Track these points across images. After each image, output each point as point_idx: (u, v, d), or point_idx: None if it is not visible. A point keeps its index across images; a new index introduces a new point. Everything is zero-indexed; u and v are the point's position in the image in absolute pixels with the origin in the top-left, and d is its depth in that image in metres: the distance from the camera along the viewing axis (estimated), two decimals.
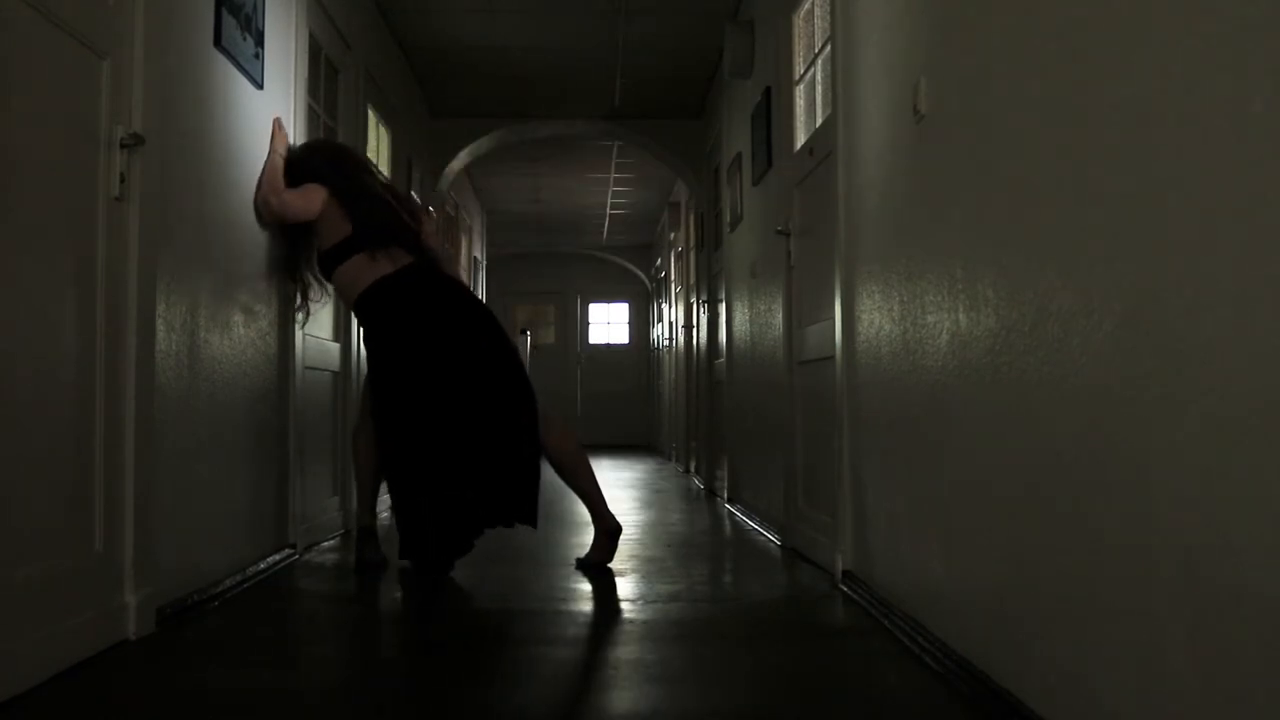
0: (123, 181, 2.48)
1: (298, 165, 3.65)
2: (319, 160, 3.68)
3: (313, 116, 4.33)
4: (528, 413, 3.55)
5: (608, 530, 3.74)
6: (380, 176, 4.01)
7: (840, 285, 3.35)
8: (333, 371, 4.61)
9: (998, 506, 2.07)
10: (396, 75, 6.14)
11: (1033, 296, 1.89)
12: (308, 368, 4.14)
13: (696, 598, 3.24)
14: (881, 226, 2.96)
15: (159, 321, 2.71)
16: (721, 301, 6.41)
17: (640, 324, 15.85)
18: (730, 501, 5.99)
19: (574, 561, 3.78)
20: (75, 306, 2.32)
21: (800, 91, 4.27)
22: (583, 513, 5.34)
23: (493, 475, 3.49)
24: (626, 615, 2.93)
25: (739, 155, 5.57)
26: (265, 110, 3.63)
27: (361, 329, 3.73)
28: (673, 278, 10.50)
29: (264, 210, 3.54)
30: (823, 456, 3.67)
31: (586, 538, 4.56)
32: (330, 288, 3.81)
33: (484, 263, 11.40)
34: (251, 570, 3.42)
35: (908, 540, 2.69)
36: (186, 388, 2.94)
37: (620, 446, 13.41)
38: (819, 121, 3.88)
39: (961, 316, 2.27)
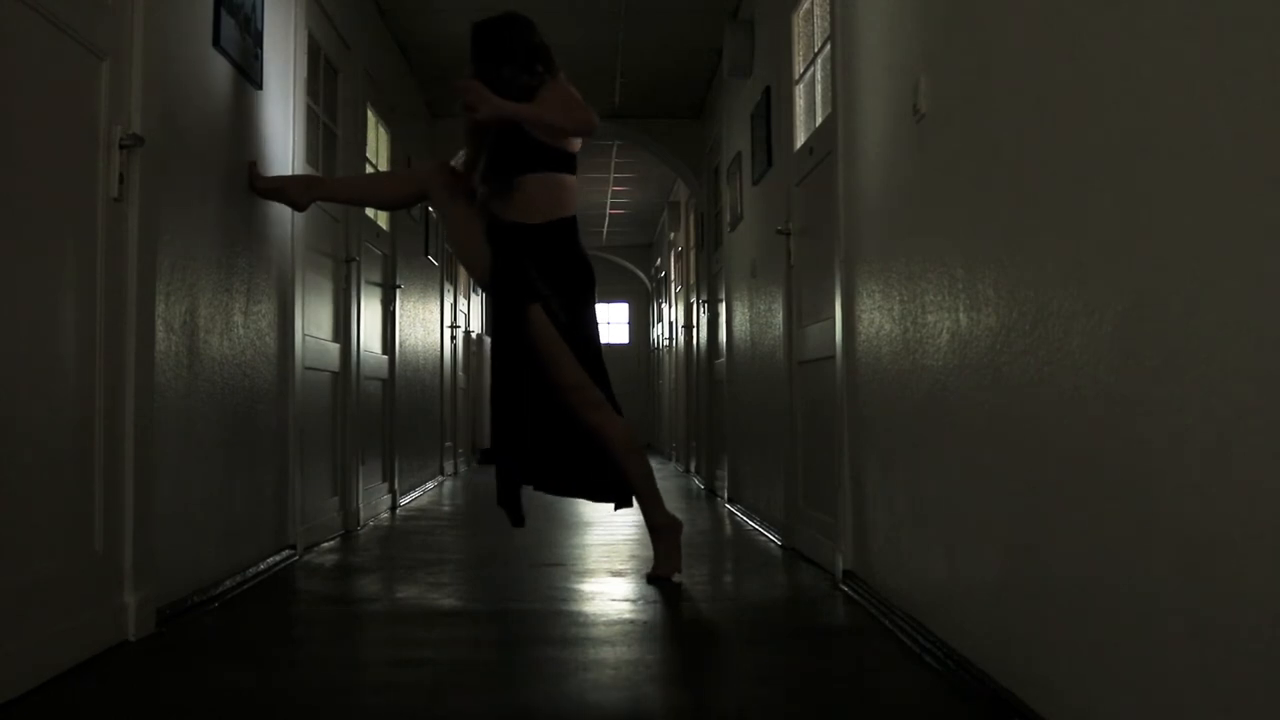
0: (122, 182, 2.48)
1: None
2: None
3: (312, 116, 4.33)
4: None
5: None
6: None
7: (840, 285, 3.35)
8: (332, 372, 4.61)
9: (998, 506, 2.07)
10: (396, 75, 6.14)
11: (1033, 296, 1.89)
12: (307, 368, 4.14)
13: (697, 598, 3.24)
14: (881, 226, 2.96)
15: (158, 322, 2.71)
16: (721, 301, 6.41)
17: (640, 324, 15.86)
18: (731, 501, 5.99)
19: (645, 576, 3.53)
20: (75, 306, 2.32)
21: (800, 91, 4.27)
22: (583, 513, 5.35)
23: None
24: (626, 615, 2.93)
25: (739, 155, 5.57)
26: (265, 110, 3.63)
27: (534, 251, 3.43)
28: (673, 278, 10.50)
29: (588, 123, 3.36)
30: (823, 456, 3.67)
31: (587, 537, 4.56)
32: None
33: None
34: (251, 570, 3.42)
35: (908, 540, 2.69)
36: (186, 388, 2.94)
37: None
38: (819, 121, 3.88)
39: (962, 316, 2.27)
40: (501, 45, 3.53)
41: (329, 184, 3.91)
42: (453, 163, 3.70)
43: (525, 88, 3.45)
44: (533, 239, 3.43)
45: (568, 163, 3.49)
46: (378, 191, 3.93)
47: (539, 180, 3.44)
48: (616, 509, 3.62)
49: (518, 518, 3.53)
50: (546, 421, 3.46)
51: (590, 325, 3.55)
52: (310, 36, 4.27)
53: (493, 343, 3.56)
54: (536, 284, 3.38)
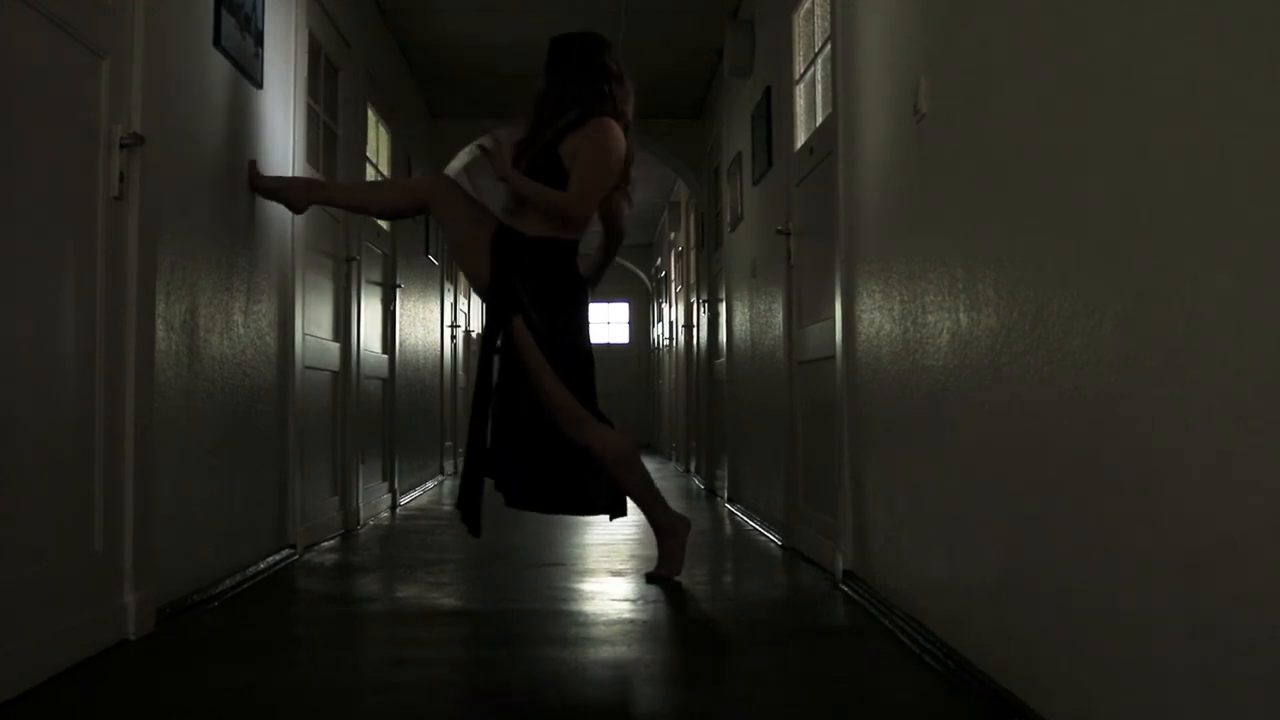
0: (122, 181, 2.48)
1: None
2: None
3: (312, 116, 4.33)
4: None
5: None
6: None
7: (840, 285, 3.35)
8: (333, 371, 4.61)
9: (998, 506, 2.07)
10: (396, 75, 6.14)
11: (1033, 296, 1.89)
12: (308, 368, 4.14)
13: (697, 598, 3.24)
14: (882, 226, 2.96)
15: (159, 321, 2.71)
16: (721, 301, 6.41)
17: (640, 324, 15.86)
18: (731, 501, 5.99)
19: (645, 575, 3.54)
20: (75, 306, 2.32)
21: (800, 91, 4.27)
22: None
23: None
24: (626, 615, 2.93)
25: (739, 155, 5.57)
26: (265, 110, 3.63)
27: (552, 275, 3.48)
28: (673, 278, 10.50)
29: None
30: (823, 456, 3.67)
31: (587, 537, 4.56)
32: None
33: None
34: (251, 570, 3.42)
35: (908, 540, 2.69)
36: (186, 388, 2.94)
37: None
38: (819, 121, 3.88)
39: (962, 316, 2.26)
40: (570, 60, 3.59)
41: (329, 188, 3.90)
42: (453, 167, 3.70)
43: (581, 116, 3.48)
44: (526, 250, 3.43)
45: None
46: (378, 199, 3.92)
47: None
48: (612, 519, 3.62)
49: (475, 528, 3.46)
50: (534, 436, 3.45)
51: (577, 336, 3.50)
52: (311, 35, 4.27)
53: (480, 350, 3.57)
54: (520, 295, 3.39)
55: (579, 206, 3.42)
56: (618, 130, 3.49)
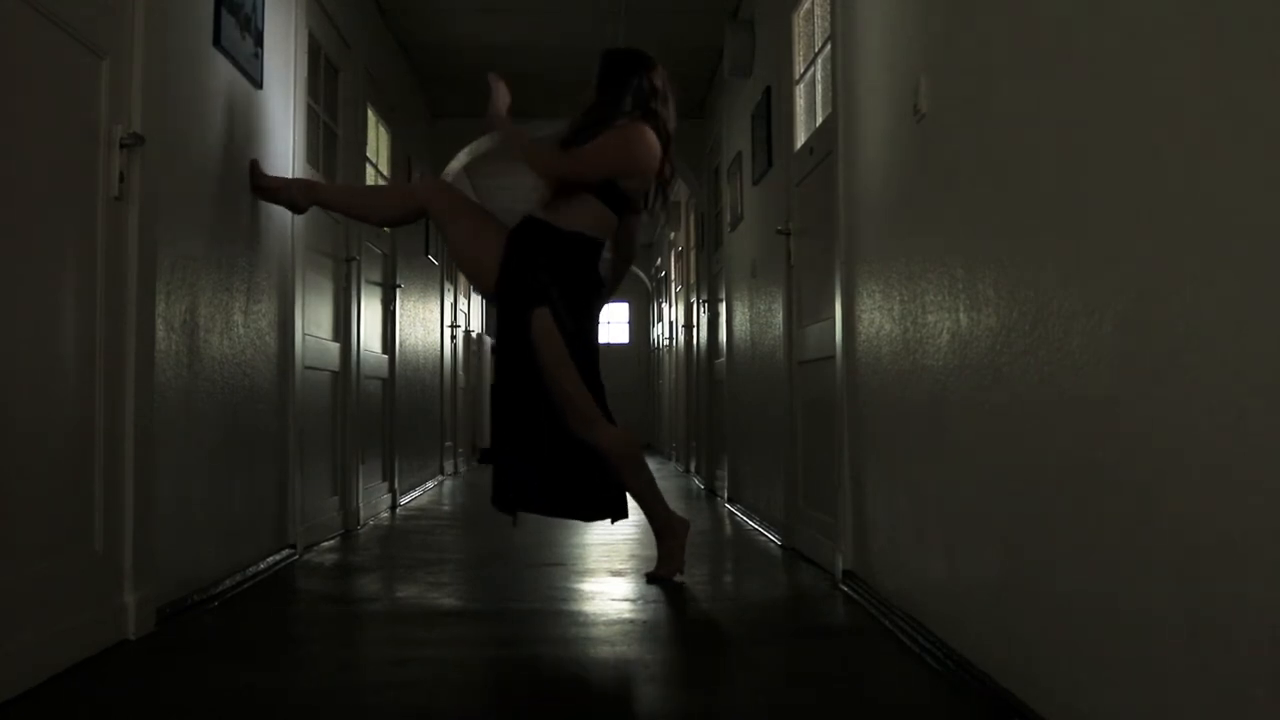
0: (122, 181, 2.48)
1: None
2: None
3: (312, 116, 4.33)
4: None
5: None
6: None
7: (840, 285, 3.35)
8: (332, 371, 4.61)
9: (998, 506, 2.07)
10: (396, 75, 6.14)
11: (1033, 296, 1.89)
12: (307, 368, 4.14)
13: (697, 597, 3.24)
14: (882, 226, 2.96)
15: (159, 321, 2.71)
16: (721, 301, 6.41)
17: (640, 324, 15.87)
18: (731, 501, 5.99)
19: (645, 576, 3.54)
20: (75, 306, 2.32)
21: (800, 91, 4.27)
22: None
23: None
24: (626, 615, 2.93)
25: (739, 155, 5.57)
26: (265, 110, 3.63)
27: (576, 271, 3.50)
28: (673, 278, 10.50)
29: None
30: (823, 456, 3.67)
31: (587, 537, 4.56)
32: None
33: None
34: (251, 570, 3.42)
35: (908, 540, 2.69)
36: (186, 388, 2.94)
37: None
38: (819, 121, 3.88)
39: (962, 316, 2.26)
40: (618, 75, 3.66)
41: (329, 190, 3.91)
42: (453, 166, 3.71)
43: (615, 121, 3.55)
44: (555, 242, 3.44)
45: (620, 203, 3.54)
46: (377, 206, 3.91)
47: (592, 201, 3.49)
48: (613, 522, 3.63)
49: (514, 514, 3.53)
50: (552, 440, 3.46)
51: (593, 335, 3.57)
52: (311, 36, 4.27)
53: (497, 344, 3.57)
54: (548, 289, 3.40)
55: (552, 163, 3.46)
56: (651, 138, 3.54)
